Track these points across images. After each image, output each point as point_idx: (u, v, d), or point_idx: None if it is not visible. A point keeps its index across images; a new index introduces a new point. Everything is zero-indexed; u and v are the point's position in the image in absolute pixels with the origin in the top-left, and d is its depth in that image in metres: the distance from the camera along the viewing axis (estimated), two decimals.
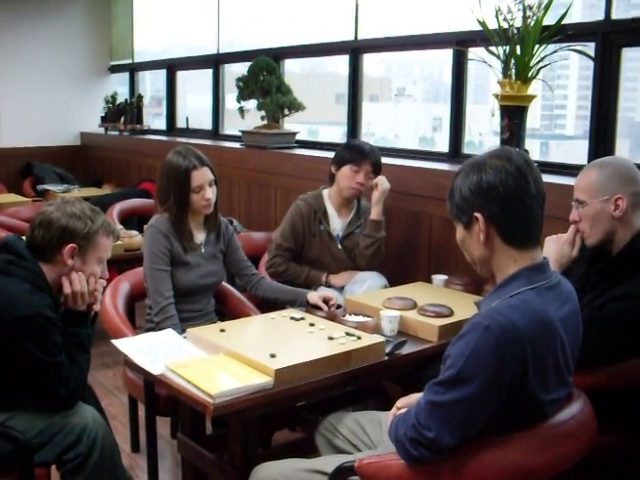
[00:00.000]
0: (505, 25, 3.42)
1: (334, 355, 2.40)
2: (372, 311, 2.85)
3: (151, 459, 2.96)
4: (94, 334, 2.50)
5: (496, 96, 3.52)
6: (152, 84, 8.49)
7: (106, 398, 3.94)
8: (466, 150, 4.22)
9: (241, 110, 5.28)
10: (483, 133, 4.71)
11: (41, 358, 2.22)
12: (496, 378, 1.65)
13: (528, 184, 1.77)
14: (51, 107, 7.78)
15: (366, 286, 3.41)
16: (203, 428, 2.67)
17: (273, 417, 2.79)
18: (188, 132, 6.89)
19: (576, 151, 4.05)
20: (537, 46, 3.37)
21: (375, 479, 1.83)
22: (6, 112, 7.50)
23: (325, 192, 3.69)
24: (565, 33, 3.38)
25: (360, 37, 4.88)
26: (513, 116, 3.47)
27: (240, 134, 5.49)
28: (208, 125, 6.59)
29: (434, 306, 2.84)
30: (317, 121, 6.17)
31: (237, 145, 5.50)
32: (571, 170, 3.40)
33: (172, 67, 7.21)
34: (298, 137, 5.31)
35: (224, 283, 3.43)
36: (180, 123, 7.21)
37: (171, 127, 7.28)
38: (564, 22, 3.38)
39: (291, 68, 5.82)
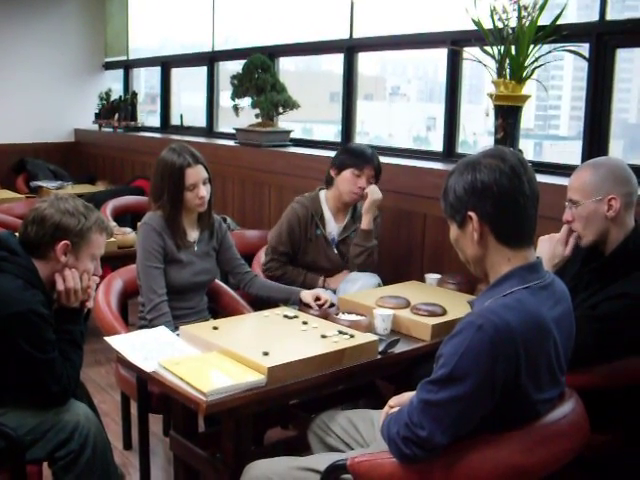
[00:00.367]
0: (500, 25, 3.42)
1: (327, 353, 2.40)
2: (365, 310, 2.85)
3: (143, 456, 2.96)
4: (87, 331, 2.50)
5: (490, 96, 3.52)
6: (146, 81, 8.48)
7: (98, 395, 3.94)
8: (460, 149, 4.23)
9: (235, 108, 5.27)
10: (477, 133, 4.71)
11: (34, 355, 2.22)
12: (489, 377, 1.65)
13: (522, 184, 1.77)
14: (45, 103, 7.76)
15: (359, 285, 3.40)
16: (195, 426, 2.67)
17: (266, 415, 2.78)
18: (182, 129, 6.87)
19: (570, 151, 4.05)
20: (532, 46, 3.38)
21: (367, 477, 1.83)
22: (0, 108, 7.47)
23: (322, 194, 3.64)
24: (560, 33, 3.39)
25: (355, 36, 4.88)
26: (507, 116, 3.48)
27: (234, 132, 5.49)
28: (202, 123, 6.58)
29: (427, 305, 2.85)
30: (311, 119, 6.17)
31: (231, 143, 5.49)
32: (565, 170, 3.40)
33: (167, 64, 7.20)
34: (292, 135, 5.31)
35: (217, 281, 3.43)
36: (174, 120, 7.19)
37: (165, 124, 7.27)
38: (559, 22, 3.39)
39: (286, 66, 5.81)
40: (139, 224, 3.24)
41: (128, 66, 7.99)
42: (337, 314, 2.82)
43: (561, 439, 1.80)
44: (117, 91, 7.90)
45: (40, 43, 7.65)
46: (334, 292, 3.44)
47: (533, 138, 4.53)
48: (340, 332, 2.58)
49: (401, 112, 5.79)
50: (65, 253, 2.36)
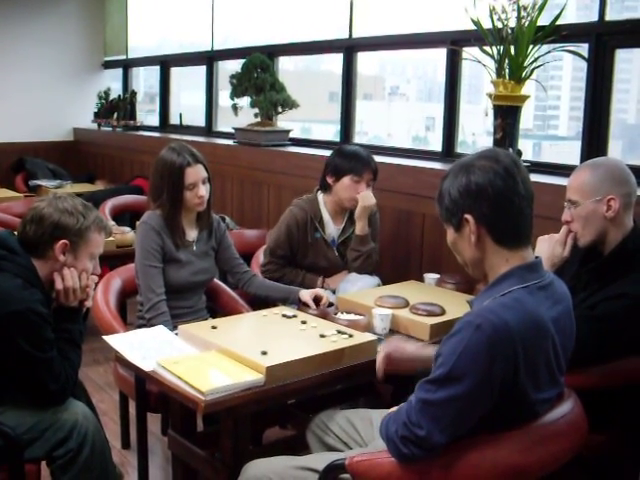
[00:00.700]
0: (499, 25, 3.42)
1: (326, 353, 2.40)
2: (364, 309, 2.85)
3: (141, 456, 2.96)
4: (85, 330, 2.50)
5: (489, 96, 3.52)
6: (145, 80, 8.48)
7: (97, 394, 3.93)
8: (459, 149, 4.23)
9: (234, 107, 5.27)
10: (476, 133, 4.72)
11: (32, 354, 2.22)
12: (487, 376, 1.65)
13: (516, 184, 1.78)
14: (44, 102, 7.75)
15: (359, 285, 3.40)
16: (194, 425, 2.66)
17: (264, 414, 2.78)
18: (181, 129, 6.87)
19: (569, 152, 4.06)
20: (531, 46, 3.38)
21: (366, 477, 1.83)
22: None
23: (320, 197, 3.60)
24: (559, 34, 3.39)
25: (354, 35, 4.88)
26: (506, 116, 3.48)
27: (233, 131, 5.48)
28: (201, 122, 6.58)
29: (426, 305, 2.85)
30: (310, 119, 6.17)
31: (230, 142, 5.49)
32: (564, 170, 3.40)
33: (166, 63, 7.20)
34: (291, 135, 5.31)
35: (216, 280, 3.43)
36: (173, 120, 7.19)
37: (164, 123, 7.27)
38: (558, 23, 3.39)
39: (285, 66, 5.82)
40: (138, 223, 3.24)
41: (127, 65, 8.00)
42: (336, 314, 2.82)
43: (560, 439, 1.80)
44: (116, 90, 7.90)
45: (39, 42, 7.65)
46: (333, 292, 3.43)
47: (532, 138, 4.53)
48: (339, 332, 2.58)
49: (400, 112, 5.80)
50: (64, 252, 2.36)
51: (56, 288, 2.37)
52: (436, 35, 4.28)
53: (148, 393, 2.84)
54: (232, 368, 2.27)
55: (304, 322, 2.71)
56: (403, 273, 3.81)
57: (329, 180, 3.53)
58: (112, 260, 4.22)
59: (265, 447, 3.01)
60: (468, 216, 1.80)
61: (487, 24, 3.48)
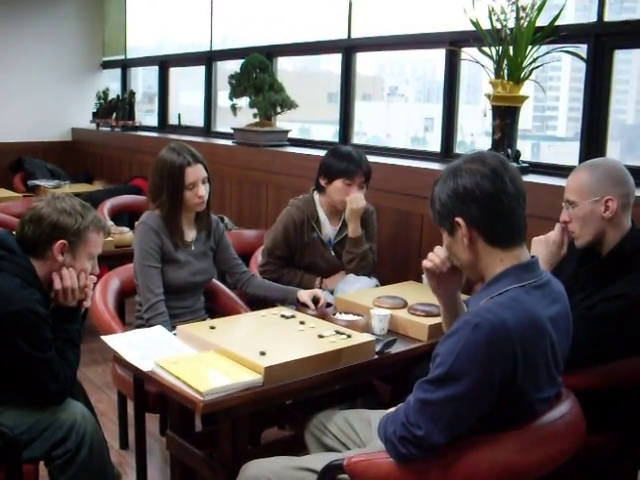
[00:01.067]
0: (498, 26, 3.43)
1: (324, 353, 2.40)
2: (362, 310, 2.85)
3: (140, 456, 2.96)
4: (84, 330, 2.50)
5: (488, 96, 3.52)
6: (144, 80, 8.47)
7: (95, 394, 3.93)
8: (458, 150, 4.23)
9: (233, 107, 5.27)
10: (475, 133, 4.72)
11: (31, 354, 2.22)
12: (486, 376, 1.65)
13: (504, 184, 1.79)
14: (43, 102, 7.75)
15: (356, 286, 3.40)
16: (192, 425, 2.66)
17: (262, 415, 2.78)
18: (180, 129, 6.87)
19: (567, 152, 4.06)
20: (530, 47, 3.38)
21: (364, 477, 1.83)
22: None
23: (316, 197, 3.59)
24: (558, 34, 3.39)
25: (353, 36, 4.88)
26: (505, 116, 3.48)
27: (232, 131, 5.49)
28: (200, 122, 6.58)
29: (424, 305, 2.85)
30: (309, 119, 6.17)
31: (229, 142, 5.49)
32: (562, 171, 3.40)
33: (164, 64, 7.20)
34: (290, 135, 5.31)
35: (214, 280, 3.43)
36: (172, 120, 7.19)
37: (163, 124, 7.27)
38: (557, 23, 3.39)
39: (284, 66, 5.82)
40: (137, 223, 3.24)
41: (126, 65, 7.99)
42: (334, 314, 2.82)
43: (558, 439, 1.81)
44: (115, 90, 7.90)
45: (38, 42, 7.65)
46: (331, 293, 3.43)
47: (531, 139, 4.53)
48: (337, 332, 2.58)
49: (399, 112, 5.80)
50: (62, 252, 2.36)
51: (55, 288, 2.37)
52: (435, 36, 4.28)
53: (146, 393, 2.84)
54: (230, 368, 2.27)
55: (302, 322, 2.71)
56: (401, 273, 3.81)
57: (322, 182, 3.52)
58: (111, 260, 4.22)
59: (263, 447, 3.01)
60: (459, 219, 1.82)
61: (486, 25, 3.48)
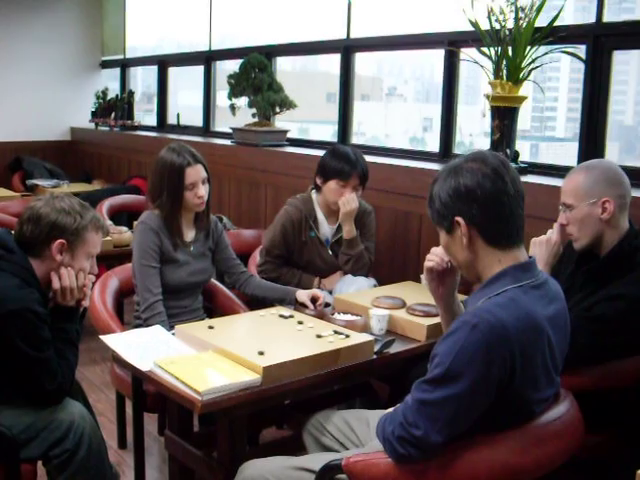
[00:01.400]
0: (497, 26, 3.43)
1: (322, 353, 2.40)
2: (361, 310, 2.86)
3: (138, 456, 2.96)
4: (82, 330, 2.50)
5: (487, 97, 3.52)
6: (143, 80, 8.48)
7: (94, 394, 3.93)
8: (456, 150, 4.23)
9: (232, 107, 5.28)
10: (474, 134, 4.73)
11: (29, 353, 2.22)
12: (484, 376, 1.66)
13: (505, 184, 1.79)
14: (41, 102, 7.75)
15: (355, 286, 3.40)
16: (191, 425, 2.67)
17: (261, 415, 2.78)
18: (179, 129, 6.86)
19: (566, 153, 4.06)
20: (529, 47, 3.38)
21: (362, 477, 1.83)
22: None
23: (314, 196, 3.60)
24: (557, 35, 3.39)
25: (352, 36, 4.88)
26: (504, 117, 3.48)
27: (231, 131, 5.49)
28: (199, 122, 6.57)
29: (423, 305, 2.85)
30: (308, 119, 6.17)
31: (228, 142, 5.49)
32: (561, 172, 3.40)
33: (164, 63, 7.19)
34: (289, 135, 5.31)
35: (213, 280, 3.43)
36: (171, 119, 7.19)
37: (162, 123, 7.26)
38: (556, 24, 3.39)
39: (283, 66, 5.82)
40: (136, 223, 3.23)
41: (125, 65, 7.98)
42: (333, 314, 2.82)
43: (556, 440, 1.81)
44: (114, 90, 7.89)
45: (37, 41, 7.64)
46: (330, 293, 3.44)
47: (529, 139, 4.54)
48: (336, 332, 2.58)
49: (398, 113, 5.80)
50: (61, 252, 2.36)
51: (53, 288, 2.37)
52: (434, 36, 4.28)
53: (145, 393, 2.84)
54: (229, 368, 2.27)
55: (301, 322, 2.71)
56: (400, 274, 3.82)
57: (318, 181, 3.54)
58: (109, 260, 4.22)
59: (262, 447, 3.01)
60: (459, 218, 1.82)
61: (485, 25, 3.48)
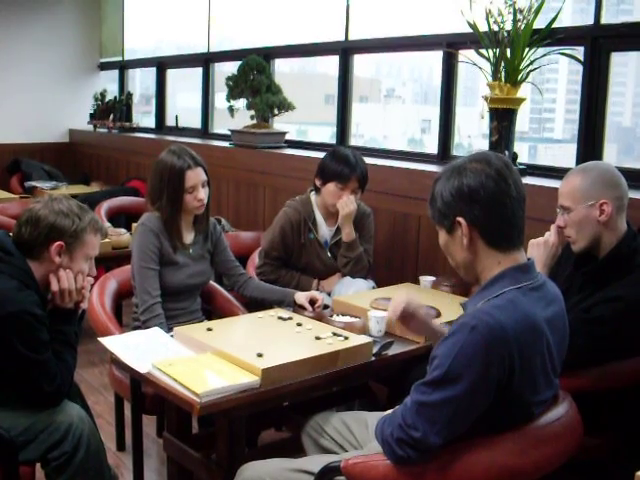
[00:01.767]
0: (495, 28, 3.43)
1: (321, 355, 2.40)
2: (359, 312, 2.85)
3: (137, 458, 2.95)
4: (81, 332, 2.49)
5: (485, 98, 3.53)
6: (142, 82, 8.48)
7: (92, 396, 3.93)
8: (455, 152, 4.24)
9: (231, 109, 5.28)
10: (472, 135, 4.73)
11: (27, 355, 2.21)
12: (483, 378, 1.66)
13: (508, 186, 1.79)
14: (40, 103, 7.75)
15: (354, 288, 3.40)
16: (189, 427, 2.66)
17: (259, 416, 2.78)
18: (177, 130, 6.87)
19: (564, 154, 4.07)
20: (527, 49, 3.39)
21: (361, 479, 1.83)
22: None
23: (313, 198, 3.60)
24: (555, 37, 3.40)
25: (350, 38, 4.88)
26: (502, 119, 3.49)
27: (229, 133, 5.49)
28: (197, 124, 6.58)
29: None
30: (306, 121, 6.17)
31: (226, 144, 5.50)
32: (559, 173, 3.40)
33: (162, 65, 7.20)
34: (287, 137, 5.31)
35: (212, 282, 3.43)
36: (169, 121, 7.19)
37: (160, 125, 7.27)
38: (554, 26, 3.40)
39: (281, 68, 5.82)
40: (136, 225, 3.23)
41: (123, 67, 7.99)
42: (331, 316, 2.83)
43: (555, 442, 1.81)
44: (112, 92, 7.89)
45: (35, 43, 7.64)
46: (328, 295, 3.44)
47: (528, 141, 4.54)
48: (334, 334, 2.58)
49: (396, 114, 5.80)
50: (59, 254, 2.36)
51: (52, 290, 2.37)
52: (432, 38, 4.29)
53: (143, 395, 2.84)
54: (227, 370, 2.27)
55: (299, 324, 2.71)
56: (399, 275, 3.82)
57: (317, 182, 3.54)
58: (108, 262, 4.22)
59: (260, 449, 3.01)
60: (460, 219, 1.81)
61: (483, 27, 3.49)
